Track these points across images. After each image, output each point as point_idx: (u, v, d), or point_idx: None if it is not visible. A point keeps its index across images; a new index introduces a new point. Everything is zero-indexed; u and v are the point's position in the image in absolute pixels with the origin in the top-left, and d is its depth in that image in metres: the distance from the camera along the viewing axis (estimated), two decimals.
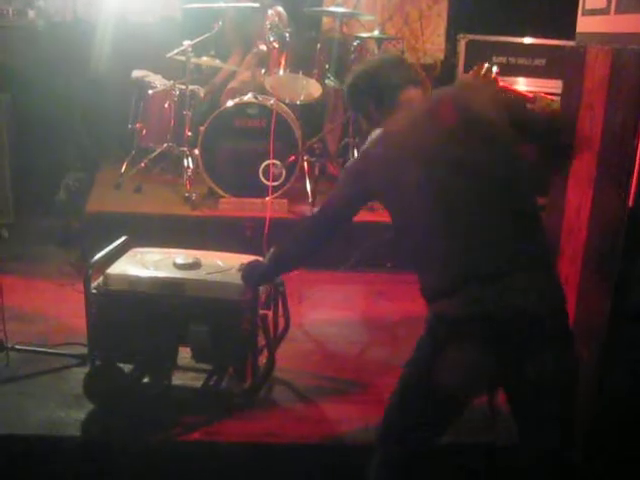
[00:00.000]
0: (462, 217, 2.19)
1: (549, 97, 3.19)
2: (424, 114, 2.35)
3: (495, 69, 3.42)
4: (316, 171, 5.29)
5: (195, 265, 3.11)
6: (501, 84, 3.44)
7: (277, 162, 4.97)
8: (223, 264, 3.17)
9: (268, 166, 4.98)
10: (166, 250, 3.29)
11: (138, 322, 2.99)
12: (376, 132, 2.39)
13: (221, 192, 5.09)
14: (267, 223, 4.66)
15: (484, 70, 3.39)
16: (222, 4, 5.55)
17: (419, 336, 2.32)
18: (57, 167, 5.75)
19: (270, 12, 5.42)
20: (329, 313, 4.27)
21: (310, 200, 5.06)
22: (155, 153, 5.50)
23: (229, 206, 5.05)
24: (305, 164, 5.21)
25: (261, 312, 3.08)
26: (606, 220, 2.82)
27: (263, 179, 5.01)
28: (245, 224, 4.84)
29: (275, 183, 5.01)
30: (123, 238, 3.33)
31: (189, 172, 5.27)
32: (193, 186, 5.20)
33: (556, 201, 3.32)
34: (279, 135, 4.96)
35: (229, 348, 3.03)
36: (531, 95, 3.27)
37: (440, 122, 2.29)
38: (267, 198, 4.95)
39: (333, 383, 3.46)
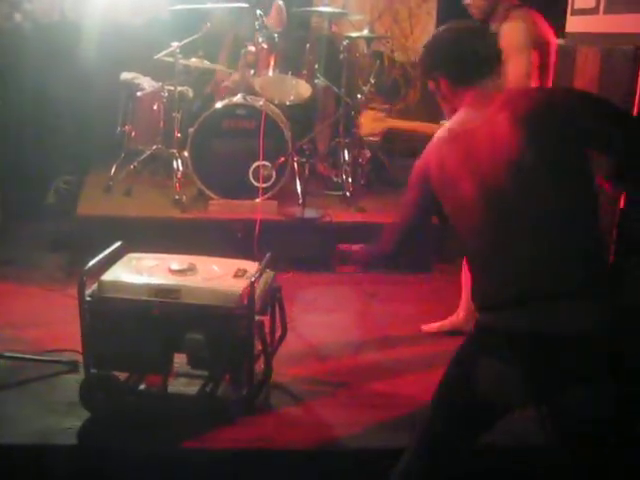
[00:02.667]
0: (522, 235, 2.05)
1: None
2: (492, 121, 2.14)
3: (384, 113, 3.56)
4: (306, 172, 5.27)
5: (190, 271, 3.09)
6: (390, 124, 3.45)
7: (267, 163, 4.95)
8: (219, 270, 3.14)
9: (258, 167, 4.96)
10: (161, 256, 3.26)
11: (133, 329, 2.96)
12: (445, 124, 2.28)
13: (211, 194, 5.07)
14: (258, 225, 4.64)
15: (372, 116, 3.45)
16: (210, 5, 5.52)
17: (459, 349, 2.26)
18: (46, 170, 5.72)
19: (258, 12, 5.40)
20: (322, 315, 4.25)
21: (300, 201, 5.04)
22: (144, 155, 5.47)
23: (219, 208, 5.03)
24: (295, 165, 5.19)
25: (258, 319, 3.06)
26: (598, 213, 2.81)
27: (253, 180, 4.99)
28: (235, 226, 4.82)
29: (265, 184, 4.99)
30: (118, 244, 3.29)
31: (179, 174, 5.24)
32: (183, 188, 5.17)
33: None
34: (269, 136, 4.94)
35: (225, 355, 3.00)
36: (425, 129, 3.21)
37: (505, 142, 2.09)
38: (257, 200, 4.94)
39: (326, 387, 3.44)
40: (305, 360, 3.68)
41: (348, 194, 5.30)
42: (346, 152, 5.49)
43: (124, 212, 5.01)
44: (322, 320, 4.19)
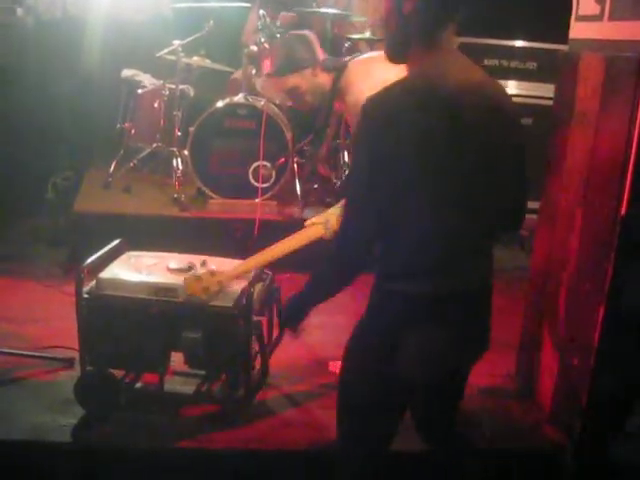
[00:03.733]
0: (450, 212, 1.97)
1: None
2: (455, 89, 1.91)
3: None
4: (306, 173, 5.27)
5: (189, 270, 3.07)
6: None
7: (267, 163, 4.95)
8: (219, 269, 3.13)
9: (258, 167, 4.95)
10: (160, 254, 3.25)
11: (130, 327, 2.95)
12: (384, 73, 2.07)
13: (210, 193, 5.06)
14: (257, 225, 4.63)
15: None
16: (213, 4, 5.51)
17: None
18: (45, 166, 5.71)
19: (261, 12, 5.39)
20: (318, 317, 4.22)
21: (300, 202, 5.03)
22: (144, 153, 5.47)
23: (218, 207, 5.03)
24: (295, 165, 5.18)
25: (255, 319, 3.05)
26: (598, 227, 2.81)
27: (253, 180, 4.98)
28: (234, 226, 4.81)
29: (265, 185, 4.99)
30: (117, 241, 3.28)
31: (178, 172, 5.23)
32: (182, 187, 5.17)
33: (547, 208, 3.32)
34: (269, 136, 4.93)
35: (222, 355, 2.99)
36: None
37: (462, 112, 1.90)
38: (257, 200, 4.93)
39: (322, 388, 3.43)
40: (302, 361, 3.67)
41: None
42: (346, 153, 5.48)
43: (123, 209, 5.00)
44: (320, 321, 4.18)
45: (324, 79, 3.33)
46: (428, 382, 2.17)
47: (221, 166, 5.08)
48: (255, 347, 3.11)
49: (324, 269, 2.19)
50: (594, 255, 2.83)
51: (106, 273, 3.06)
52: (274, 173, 4.98)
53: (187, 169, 5.18)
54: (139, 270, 3.07)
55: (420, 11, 1.94)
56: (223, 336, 2.96)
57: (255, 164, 4.95)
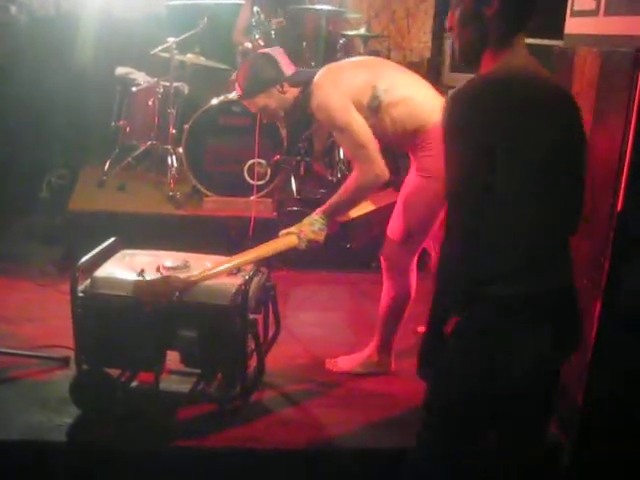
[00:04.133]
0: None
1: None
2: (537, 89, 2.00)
3: None
4: (302, 170, 5.25)
5: (184, 268, 3.06)
6: None
7: (262, 161, 4.93)
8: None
9: (253, 165, 4.94)
10: (155, 252, 3.24)
11: (126, 326, 2.94)
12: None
13: (205, 191, 5.05)
14: (252, 223, 4.62)
15: None
16: (207, 1, 5.49)
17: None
18: (40, 164, 5.69)
19: (255, 9, 5.37)
20: (314, 314, 4.24)
21: (295, 199, 5.02)
22: (139, 151, 5.45)
23: (213, 205, 5.01)
24: (290, 163, 5.16)
25: (251, 317, 3.04)
26: (595, 223, 2.80)
27: (248, 178, 4.97)
28: (230, 223, 4.80)
29: (260, 182, 4.97)
30: (111, 239, 3.27)
31: (173, 170, 5.22)
32: (177, 185, 5.16)
33: None
34: (264, 134, 4.89)
35: (218, 354, 2.98)
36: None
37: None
38: (252, 197, 4.91)
39: (319, 386, 3.43)
40: (297, 360, 3.67)
41: None
42: (341, 151, 5.46)
43: (118, 207, 4.98)
44: (315, 319, 4.18)
45: (293, 93, 3.37)
46: (530, 390, 2.07)
47: (216, 164, 5.07)
48: (251, 345, 3.09)
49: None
50: (591, 251, 2.82)
51: (101, 272, 3.04)
52: (269, 170, 4.97)
53: (182, 167, 5.17)
54: (134, 269, 3.05)
55: (501, 15, 1.99)
56: (219, 334, 2.94)
57: (250, 162, 4.94)
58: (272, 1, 5.81)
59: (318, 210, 3.26)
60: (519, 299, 1.97)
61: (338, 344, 3.82)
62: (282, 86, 3.33)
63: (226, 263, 3.09)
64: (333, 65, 3.42)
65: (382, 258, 3.43)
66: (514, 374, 2.00)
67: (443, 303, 2.01)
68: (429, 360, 2.07)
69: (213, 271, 3.03)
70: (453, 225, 1.96)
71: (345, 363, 3.59)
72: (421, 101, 3.22)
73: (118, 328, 2.95)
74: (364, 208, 3.49)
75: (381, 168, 3.16)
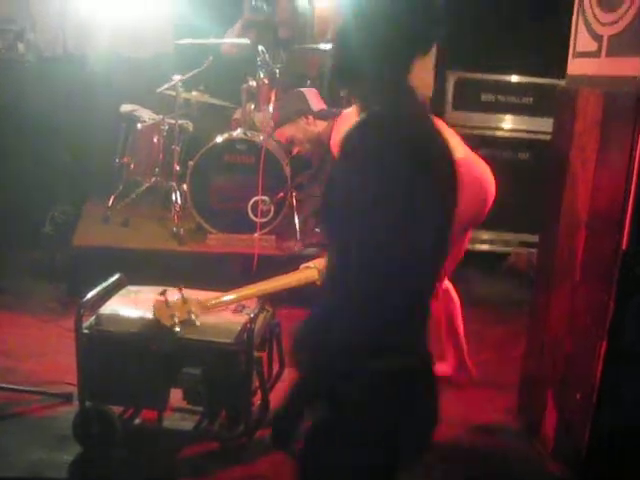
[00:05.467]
0: None
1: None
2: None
3: None
4: (305, 207, 5.27)
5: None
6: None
7: (266, 198, 4.96)
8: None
9: (257, 202, 4.96)
10: (161, 288, 3.24)
11: (130, 363, 2.94)
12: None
13: (209, 228, 5.06)
14: (255, 259, 4.63)
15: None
16: (213, 40, 5.56)
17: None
18: (44, 200, 5.71)
19: (260, 48, 5.43)
20: None
21: (298, 236, 5.03)
22: (143, 187, 5.47)
23: (217, 242, 5.02)
24: (294, 200, 5.19)
25: (256, 355, 3.03)
26: (599, 262, 2.81)
27: (252, 215, 4.99)
28: (233, 260, 4.80)
29: (263, 219, 4.99)
30: (116, 276, 3.27)
31: (177, 207, 5.24)
32: (181, 221, 5.17)
33: (547, 243, 3.32)
34: (268, 171, 4.94)
35: (222, 391, 2.97)
36: None
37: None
38: (255, 234, 4.93)
39: None
40: None
41: None
42: None
43: (122, 243, 4.99)
44: None
45: (319, 126, 3.77)
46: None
47: (220, 201, 5.09)
48: (256, 383, 3.08)
49: None
50: (595, 290, 2.82)
51: (106, 309, 3.04)
52: (273, 208, 4.99)
53: (186, 203, 5.19)
54: (138, 306, 3.06)
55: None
56: (223, 372, 2.94)
57: (254, 199, 4.96)
58: (277, 42, 5.89)
59: None
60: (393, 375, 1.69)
61: None
62: (307, 118, 3.71)
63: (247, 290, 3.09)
64: (351, 109, 3.60)
65: None
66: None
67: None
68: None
69: (232, 297, 3.04)
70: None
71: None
72: None
73: (123, 365, 2.94)
74: None
75: None
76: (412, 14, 1.64)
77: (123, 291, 3.21)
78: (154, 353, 2.92)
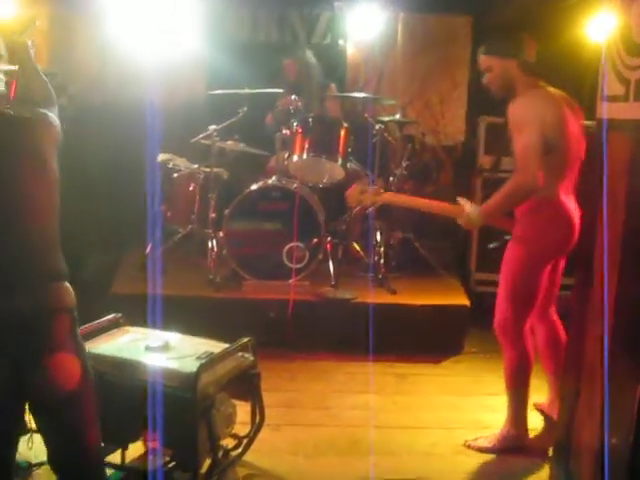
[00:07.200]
0: None
1: None
2: None
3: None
4: (339, 253, 5.32)
5: (162, 349, 3.10)
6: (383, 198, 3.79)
7: (300, 244, 5.02)
8: (190, 350, 3.12)
9: (292, 248, 5.02)
10: (151, 332, 3.30)
11: (104, 403, 2.82)
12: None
13: (245, 274, 5.13)
14: (291, 305, 4.67)
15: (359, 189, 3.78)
16: (247, 90, 5.68)
17: None
18: (80, 248, 5.79)
19: (293, 97, 5.54)
20: (353, 397, 4.23)
21: (333, 282, 5.07)
22: (180, 235, 5.56)
23: (253, 288, 5.08)
24: (328, 246, 5.25)
25: (208, 403, 2.96)
26: (633, 304, 2.80)
27: (287, 261, 5.05)
28: (269, 306, 4.86)
29: (298, 265, 5.04)
30: (111, 315, 3.36)
31: (213, 254, 5.31)
32: (217, 268, 5.23)
33: (582, 285, 3.31)
34: (302, 218, 5.01)
35: (177, 437, 2.91)
36: None
37: None
38: (290, 280, 4.98)
39: (359, 470, 3.40)
40: (337, 441, 3.65)
41: (380, 276, 5.32)
42: (378, 234, 5.53)
43: (158, 291, 5.05)
44: (353, 401, 4.17)
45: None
46: None
47: (255, 247, 5.16)
48: (220, 433, 3.03)
49: None
50: (631, 330, 2.82)
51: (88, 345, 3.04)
52: (307, 254, 5.05)
53: (222, 251, 5.26)
54: (119, 346, 3.13)
55: None
56: (173, 416, 2.83)
57: (289, 245, 5.02)
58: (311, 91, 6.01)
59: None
60: None
61: (377, 427, 3.80)
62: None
63: None
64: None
65: (495, 326, 3.58)
66: None
67: None
68: None
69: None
70: None
71: (484, 441, 3.66)
72: None
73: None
74: None
75: (538, 176, 3.33)
76: None
77: (117, 330, 3.31)
78: (123, 393, 2.93)
